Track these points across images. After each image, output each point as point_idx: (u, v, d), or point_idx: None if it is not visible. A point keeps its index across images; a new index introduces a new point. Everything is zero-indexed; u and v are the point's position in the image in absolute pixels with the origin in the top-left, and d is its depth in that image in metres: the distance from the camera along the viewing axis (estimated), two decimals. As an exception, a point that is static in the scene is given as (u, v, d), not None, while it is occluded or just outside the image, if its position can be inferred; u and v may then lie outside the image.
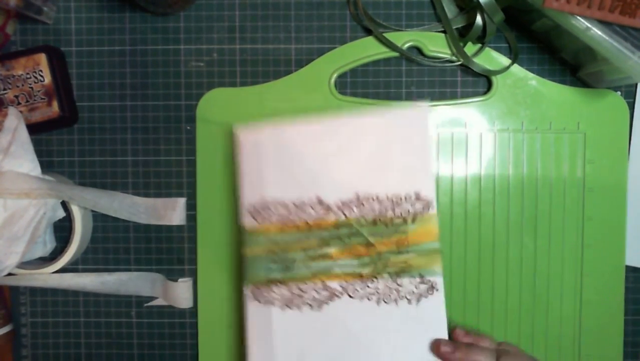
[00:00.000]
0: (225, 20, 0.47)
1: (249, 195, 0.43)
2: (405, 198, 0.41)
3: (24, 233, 0.43)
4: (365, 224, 0.42)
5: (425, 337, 0.41)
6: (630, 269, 0.47)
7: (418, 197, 0.41)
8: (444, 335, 0.41)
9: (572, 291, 0.47)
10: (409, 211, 0.41)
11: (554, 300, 0.47)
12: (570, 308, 0.47)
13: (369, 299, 0.42)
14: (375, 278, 0.42)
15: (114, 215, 0.46)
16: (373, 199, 0.42)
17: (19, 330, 0.48)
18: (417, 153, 0.41)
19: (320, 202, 0.42)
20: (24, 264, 0.46)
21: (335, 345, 0.42)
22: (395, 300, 0.42)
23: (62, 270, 0.46)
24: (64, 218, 0.46)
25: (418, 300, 0.42)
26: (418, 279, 0.42)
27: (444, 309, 0.41)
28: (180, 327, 0.48)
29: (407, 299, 0.42)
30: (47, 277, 0.46)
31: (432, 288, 0.42)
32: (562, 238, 0.47)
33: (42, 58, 0.45)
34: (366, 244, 0.42)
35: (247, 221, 0.43)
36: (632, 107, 0.47)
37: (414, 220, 0.42)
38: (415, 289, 0.42)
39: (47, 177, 0.45)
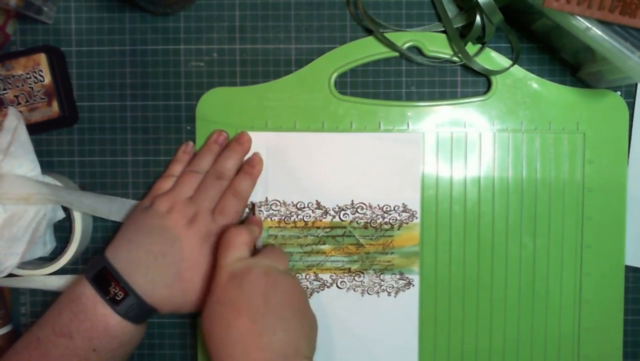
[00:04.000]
0: (225, 20, 0.47)
1: (253, 194, 0.47)
2: (394, 208, 0.47)
3: (23, 234, 0.43)
4: (357, 228, 0.47)
5: (401, 324, 0.47)
6: (630, 269, 0.47)
7: (405, 208, 0.47)
8: (416, 322, 0.47)
9: (572, 291, 0.47)
10: (396, 219, 0.47)
11: (553, 300, 0.47)
12: (569, 308, 0.47)
13: (354, 290, 0.47)
14: (362, 273, 0.47)
15: (112, 219, 0.46)
16: (366, 207, 0.47)
17: (19, 330, 0.48)
18: (408, 171, 0.47)
19: (319, 205, 0.47)
20: (23, 265, 0.46)
21: (323, 328, 0.45)
22: (378, 292, 0.47)
23: (62, 270, 0.46)
24: (64, 217, 0.46)
25: (397, 293, 0.47)
26: (398, 276, 0.47)
27: (417, 301, 0.47)
28: (180, 327, 0.48)
29: (388, 292, 0.47)
30: (47, 278, 0.46)
31: (409, 283, 0.47)
32: (562, 238, 0.47)
33: (42, 58, 0.45)
34: (357, 244, 0.47)
35: (249, 217, 0.47)
36: (632, 107, 0.47)
37: (399, 227, 0.47)
38: (395, 284, 0.47)
39: (47, 178, 0.45)
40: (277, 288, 0.39)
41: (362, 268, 0.47)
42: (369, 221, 0.47)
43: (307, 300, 0.42)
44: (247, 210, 0.47)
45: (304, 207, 0.47)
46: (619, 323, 0.47)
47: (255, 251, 0.43)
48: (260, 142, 0.47)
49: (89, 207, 0.45)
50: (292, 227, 0.47)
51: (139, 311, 0.41)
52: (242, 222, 0.46)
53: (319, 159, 0.47)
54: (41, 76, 0.45)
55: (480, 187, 0.47)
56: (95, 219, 0.48)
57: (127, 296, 0.40)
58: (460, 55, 0.46)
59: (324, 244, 0.47)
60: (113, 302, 0.40)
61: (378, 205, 0.47)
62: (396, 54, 0.47)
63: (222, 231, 0.43)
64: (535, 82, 0.47)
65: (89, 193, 0.47)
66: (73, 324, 0.40)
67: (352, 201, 0.47)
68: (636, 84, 0.47)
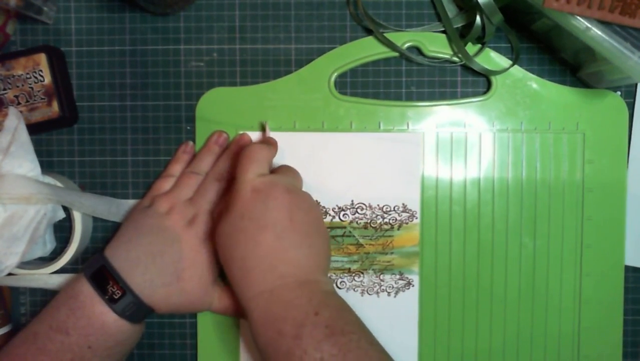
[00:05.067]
0: (225, 20, 0.47)
1: None
2: (394, 208, 0.47)
3: (24, 233, 0.43)
4: (357, 228, 0.47)
5: (401, 324, 0.47)
6: (630, 269, 0.47)
7: (405, 208, 0.47)
8: (416, 323, 0.47)
9: (572, 291, 0.47)
10: (396, 219, 0.47)
11: (553, 300, 0.47)
12: (569, 308, 0.47)
13: (354, 290, 0.47)
14: (362, 273, 0.47)
15: (112, 219, 0.46)
16: (366, 207, 0.47)
17: (19, 330, 0.48)
18: (408, 171, 0.47)
19: (319, 205, 0.46)
20: (23, 264, 0.46)
21: None
22: (377, 292, 0.47)
23: (62, 270, 0.46)
24: (64, 217, 0.46)
25: (396, 293, 0.47)
26: (398, 276, 0.47)
27: (417, 301, 0.47)
28: (180, 327, 0.48)
29: (387, 292, 0.47)
30: (47, 277, 0.46)
31: (409, 283, 0.47)
32: (562, 238, 0.47)
33: (42, 58, 0.45)
34: (356, 244, 0.47)
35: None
36: (631, 107, 0.47)
37: (399, 227, 0.47)
38: (394, 284, 0.47)
39: (47, 178, 0.45)
40: (300, 205, 0.40)
41: (361, 268, 0.47)
42: (369, 221, 0.47)
43: (322, 218, 0.42)
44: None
45: None
46: (619, 323, 0.47)
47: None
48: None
49: (89, 207, 0.45)
50: None
51: (136, 310, 0.41)
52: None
53: (319, 159, 0.47)
54: (41, 76, 0.45)
55: (480, 187, 0.47)
56: (95, 219, 0.48)
57: (125, 295, 0.40)
58: (460, 55, 0.46)
59: None
60: (110, 301, 0.40)
61: (378, 205, 0.47)
62: (396, 54, 0.47)
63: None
64: (535, 82, 0.47)
65: (89, 193, 0.47)
66: (70, 321, 0.40)
67: (352, 201, 0.47)
68: (636, 84, 0.47)
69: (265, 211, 0.39)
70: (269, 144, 0.44)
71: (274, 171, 0.44)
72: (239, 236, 0.39)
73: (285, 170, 0.43)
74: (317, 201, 0.47)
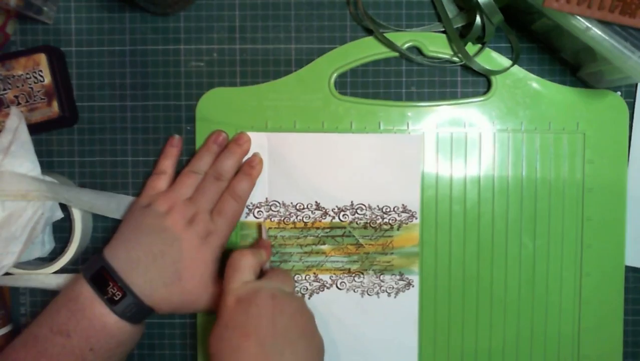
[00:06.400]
0: (225, 20, 0.47)
1: (253, 195, 0.47)
2: (394, 209, 0.47)
3: (21, 233, 0.43)
4: (357, 228, 0.47)
5: (401, 324, 0.47)
6: (630, 270, 0.47)
7: (404, 208, 0.47)
8: (416, 323, 0.47)
9: (572, 291, 0.47)
10: (395, 219, 0.47)
11: (553, 300, 0.47)
12: (569, 308, 0.47)
13: (354, 291, 0.47)
14: (362, 273, 0.47)
15: (111, 216, 0.46)
16: (365, 207, 0.47)
17: (19, 331, 0.48)
18: (408, 172, 0.47)
19: (319, 206, 0.47)
20: (24, 265, 0.46)
21: (323, 329, 0.44)
22: (377, 293, 0.47)
23: (62, 270, 0.46)
24: (64, 218, 0.46)
25: (396, 294, 0.47)
26: (398, 277, 0.47)
27: (417, 302, 0.47)
28: (180, 327, 0.48)
29: (387, 292, 0.47)
30: (47, 277, 0.46)
31: (409, 284, 0.47)
32: (562, 238, 0.47)
33: (42, 58, 0.45)
34: (356, 244, 0.47)
35: (248, 218, 0.47)
36: (632, 107, 0.47)
37: (399, 227, 0.47)
38: (395, 285, 0.47)
39: (46, 177, 0.45)
40: (284, 310, 0.39)
41: (361, 268, 0.47)
42: (369, 221, 0.47)
43: (314, 322, 0.42)
44: (252, 236, 0.47)
45: (304, 208, 0.47)
46: (619, 323, 0.47)
47: (262, 273, 0.43)
48: (260, 142, 0.47)
49: (87, 204, 0.45)
50: (291, 227, 0.47)
51: (137, 311, 0.41)
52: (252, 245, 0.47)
53: (319, 159, 0.47)
54: (41, 76, 0.45)
55: (480, 187, 0.47)
56: (96, 218, 0.48)
57: (125, 296, 0.40)
58: (460, 55, 0.46)
59: (324, 244, 0.47)
60: (111, 302, 0.40)
61: (377, 206, 0.47)
62: (396, 54, 0.47)
63: (222, 234, 0.43)
64: (535, 82, 0.47)
65: (87, 189, 0.46)
66: (70, 323, 0.40)
67: (352, 201, 0.47)
68: (636, 84, 0.47)
69: (247, 319, 0.38)
70: (260, 248, 0.44)
71: (264, 273, 0.43)
72: (224, 345, 0.38)
73: (274, 274, 0.42)
74: (316, 203, 0.47)
